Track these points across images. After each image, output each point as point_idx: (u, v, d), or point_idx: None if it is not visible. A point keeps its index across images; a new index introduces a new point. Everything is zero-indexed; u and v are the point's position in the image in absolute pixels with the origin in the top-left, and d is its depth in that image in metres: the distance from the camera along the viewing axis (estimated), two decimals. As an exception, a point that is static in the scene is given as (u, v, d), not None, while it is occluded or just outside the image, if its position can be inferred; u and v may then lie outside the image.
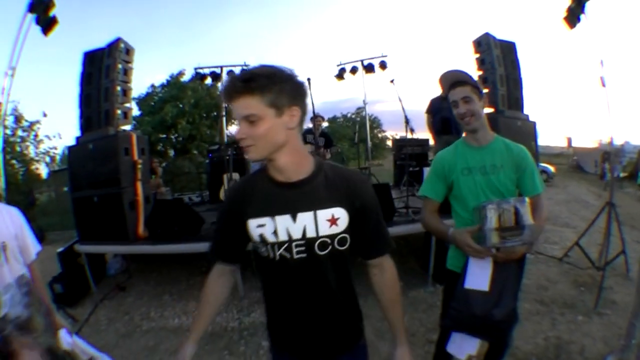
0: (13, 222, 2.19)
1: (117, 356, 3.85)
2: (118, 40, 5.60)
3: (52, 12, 4.27)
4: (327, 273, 1.41)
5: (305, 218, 1.36)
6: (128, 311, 5.04)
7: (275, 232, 1.37)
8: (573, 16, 5.37)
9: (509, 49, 6.59)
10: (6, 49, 4.07)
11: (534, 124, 6.47)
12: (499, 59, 6.35)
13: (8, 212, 2.21)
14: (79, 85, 5.82)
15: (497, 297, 1.94)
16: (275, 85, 1.22)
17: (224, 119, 10.73)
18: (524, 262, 2.24)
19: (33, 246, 2.31)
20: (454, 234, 2.06)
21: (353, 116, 23.17)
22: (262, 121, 1.23)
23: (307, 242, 1.37)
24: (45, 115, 14.90)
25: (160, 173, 8.15)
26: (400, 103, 6.83)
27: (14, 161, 14.37)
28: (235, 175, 7.40)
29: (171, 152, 19.27)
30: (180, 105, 18.15)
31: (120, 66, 5.58)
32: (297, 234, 1.37)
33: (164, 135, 18.72)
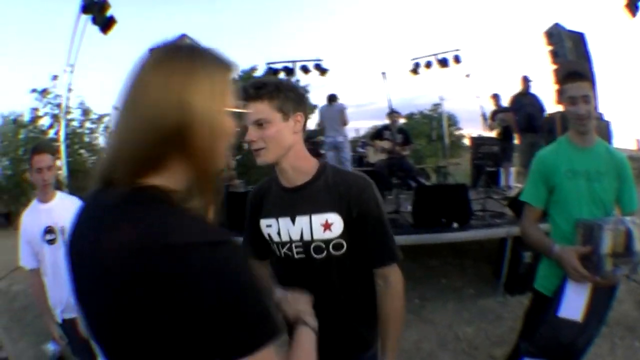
0: (74, 209, 2.28)
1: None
2: (183, 36, 5.66)
3: (109, 13, 4.44)
4: (326, 276, 1.45)
5: (302, 221, 1.44)
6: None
7: (279, 233, 1.49)
8: (633, 4, 4.93)
9: (578, 40, 6.27)
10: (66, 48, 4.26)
11: (607, 123, 6.07)
12: (570, 51, 6.05)
13: (70, 200, 2.59)
14: None
15: (584, 324, 1.81)
16: (282, 92, 1.35)
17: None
18: (617, 287, 1.99)
19: None
20: (560, 252, 1.81)
21: (430, 113, 22.71)
22: (271, 124, 1.34)
23: (304, 245, 1.45)
24: (116, 109, 15.69)
25: (234, 166, 8.35)
26: (476, 99, 6.70)
27: (82, 151, 15.58)
28: None
29: (246, 145, 19.77)
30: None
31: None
32: (295, 236, 1.46)
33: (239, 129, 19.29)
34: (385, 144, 7.14)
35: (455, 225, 4.17)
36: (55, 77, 13.62)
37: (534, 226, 2.05)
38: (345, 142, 7.81)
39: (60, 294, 2.49)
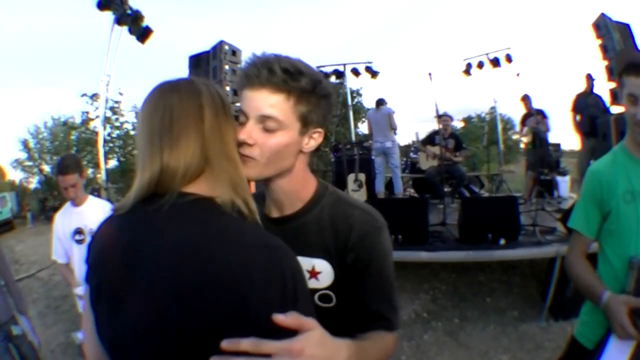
0: (103, 214, 2.47)
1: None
2: (221, 43, 5.93)
3: (144, 24, 4.63)
4: None
5: None
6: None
7: None
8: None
9: (625, 31, 5.79)
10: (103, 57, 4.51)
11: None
12: (618, 43, 5.62)
13: (100, 204, 2.92)
14: None
15: None
16: (316, 94, 1.00)
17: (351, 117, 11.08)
18: None
19: None
20: (609, 302, 1.43)
21: (487, 116, 22.06)
22: (282, 133, 0.99)
23: None
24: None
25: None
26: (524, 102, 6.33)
27: (136, 152, 16.57)
28: (361, 176, 7.46)
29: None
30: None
31: (227, 67, 5.90)
32: None
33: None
34: (436, 150, 7.02)
35: (502, 241, 4.03)
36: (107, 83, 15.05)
37: (582, 262, 1.64)
38: (394, 147, 7.67)
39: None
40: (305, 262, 1.07)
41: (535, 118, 7.17)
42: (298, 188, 1.12)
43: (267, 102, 0.96)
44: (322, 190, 1.14)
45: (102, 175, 4.07)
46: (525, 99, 7.52)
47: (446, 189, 7.49)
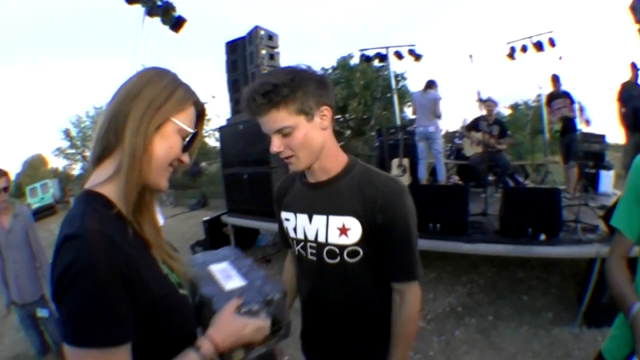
0: None
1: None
2: (256, 28, 6.03)
3: (176, 13, 4.74)
4: (337, 283, 1.40)
5: (318, 221, 1.38)
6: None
7: (295, 229, 1.46)
8: None
9: None
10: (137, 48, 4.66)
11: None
12: None
13: None
14: (225, 72, 6.64)
15: None
16: (298, 90, 1.20)
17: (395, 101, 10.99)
18: None
19: None
20: (637, 316, 1.27)
21: (534, 104, 21.31)
22: (296, 130, 1.23)
23: (318, 246, 1.40)
24: (213, 97, 18.17)
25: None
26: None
27: None
28: (405, 161, 7.45)
29: (347, 133, 20.25)
30: (350, 88, 18.88)
31: (264, 52, 6.02)
32: (310, 235, 1.41)
33: (339, 116, 19.58)
34: (480, 136, 6.87)
35: (542, 237, 3.95)
36: None
37: (619, 267, 1.46)
38: (437, 132, 7.46)
39: None
40: (337, 220, 1.34)
41: (562, 100, 6.90)
42: (331, 159, 1.36)
43: (270, 121, 1.22)
44: (352, 163, 1.39)
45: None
46: (555, 79, 7.21)
47: (491, 178, 7.36)
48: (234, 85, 6.47)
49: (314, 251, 1.41)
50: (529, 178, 8.46)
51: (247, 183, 6.04)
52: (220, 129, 6.85)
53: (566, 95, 6.87)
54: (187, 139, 0.98)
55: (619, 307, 1.40)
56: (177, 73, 1.00)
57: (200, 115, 1.04)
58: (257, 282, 1.21)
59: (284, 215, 1.51)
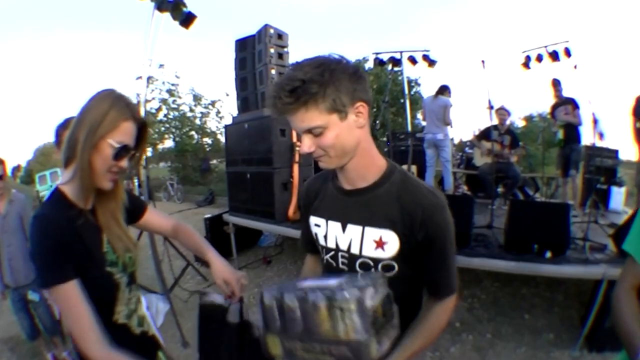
0: None
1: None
2: (266, 26, 5.98)
3: (186, 9, 4.71)
4: None
5: (353, 231, 1.30)
6: (261, 284, 5.48)
7: (325, 237, 1.39)
8: None
9: None
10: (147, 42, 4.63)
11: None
12: None
13: None
14: (234, 69, 6.62)
15: None
16: (329, 86, 1.09)
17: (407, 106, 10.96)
18: None
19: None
20: None
21: (548, 115, 21.15)
22: (328, 130, 1.14)
23: (350, 257, 1.32)
24: (227, 95, 18.07)
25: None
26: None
27: (192, 132, 18.52)
28: (413, 168, 7.36)
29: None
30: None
31: (272, 50, 5.97)
32: (343, 245, 1.34)
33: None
34: (490, 146, 6.75)
35: (548, 254, 3.84)
36: (161, 66, 16.24)
37: (628, 298, 1.28)
38: (445, 140, 7.37)
39: None
40: (374, 232, 1.26)
41: (564, 108, 6.56)
42: (367, 164, 1.28)
43: (299, 120, 1.13)
44: (391, 169, 1.30)
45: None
46: (555, 83, 6.90)
47: (500, 189, 7.24)
48: (242, 83, 6.44)
49: (345, 261, 1.34)
50: (539, 191, 8.31)
51: (249, 182, 6.00)
52: (226, 127, 6.84)
53: (569, 101, 6.62)
54: (117, 150, 1.25)
55: (623, 345, 1.23)
56: (121, 91, 1.32)
57: (142, 126, 1.35)
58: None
59: (314, 220, 1.43)
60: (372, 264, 1.27)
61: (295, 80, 1.08)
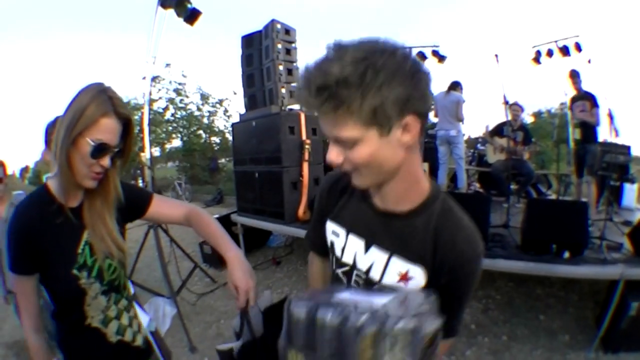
0: None
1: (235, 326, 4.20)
2: (273, 22, 5.89)
3: (190, 5, 4.64)
4: None
5: (377, 255, 1.14)
6: (271, 285, 5.42)
7: (343, 249, 1.22)
8: None
9: None
10: (151, 39, 4.57)
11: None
12: None
13: None
14: (240, 66, 6.51)
15: None
16: (371, 91, 0.84)
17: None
18: None
19: None
20: None
21: (557, 112, 21.00)
22: (361, 145, 0.91)
23: (367, 281, 1.17)
24: (235, 93, 17.82)
25: None
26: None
27: (200, 132, 18.51)
28: (425, 165, 7.26)
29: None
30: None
31: (280, 46, 5.88)
32: (362, 266, 1.18)
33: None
34: (504, 142, 6.64)
35: (566, 254, 3.74)
36: (168, 65, 16.34)
37: None
38: (459, 136, 7.27)
39: None
40: (401, 264, 1.09)
41: (582, 104, 6.15)
42: (408, 188, 1.08)
43: (328, 124, 0.92)
44: (435, 195, 1.11)
45: (146, 154, 4.17)
46: (573, 75, 6.39)
47: (513, 186, 7.12)
48: (249, 80, 6.34)
49: (360, 282, 1.19)
50: (551, 188, 8.19)
51: (257, 182, 5.93)
52: (233, 125, 6.76)
53: (588, 96, 6.18)
54: (94, 148, 1.20)
55: None
56: (107, 84, 1.27)
57: (126, 122, 1.29)
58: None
59: (332, 226, 1.27)
60: None
61: (327, 76, 0.84)
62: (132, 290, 1.64)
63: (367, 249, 1.16)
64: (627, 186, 6.32)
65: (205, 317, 4.56)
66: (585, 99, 6.14)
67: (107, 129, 1.22)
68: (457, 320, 1.15)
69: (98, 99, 1.20)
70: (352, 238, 1.20)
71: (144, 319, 2.69)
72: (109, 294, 1.40)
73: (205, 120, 18.33)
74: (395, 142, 0.92)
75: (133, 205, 1.50)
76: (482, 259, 1.07)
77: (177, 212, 1.60)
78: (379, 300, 0.91)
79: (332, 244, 1.28)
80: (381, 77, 0.83)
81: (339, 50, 0.86)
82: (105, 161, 1.24)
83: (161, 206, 1.58)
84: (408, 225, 1.09)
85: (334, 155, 0.96)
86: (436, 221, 1.07)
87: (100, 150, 1.21)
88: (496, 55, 5.33)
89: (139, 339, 1.52)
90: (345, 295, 0.98)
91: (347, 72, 0.83)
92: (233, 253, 1.38)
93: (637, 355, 3.29)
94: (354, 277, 1.20)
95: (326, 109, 0.87)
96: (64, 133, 1.18)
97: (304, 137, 5.71)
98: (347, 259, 1.21)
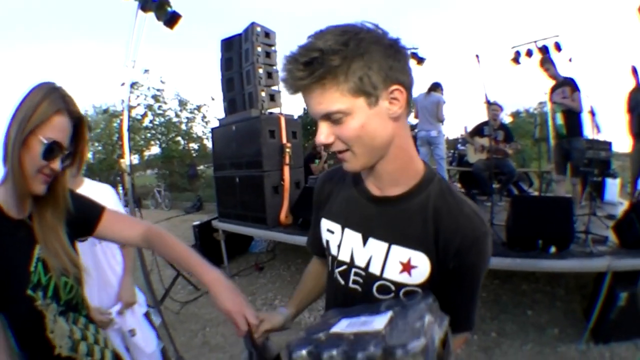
0: (103, 199, 2.34)
1: (224, 333, 4.19)
2: (252, 25, 5.86)
3: (170, 9, 4.59)
4: None
5: (375, 247, 1.08)
6: (254, 292, 5.34)
7: (339, 246, 1.18)
8: None
9: None
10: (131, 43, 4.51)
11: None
12: None
13: (100, 189, 2.40)
14: (220, 70, 6.46)
15: None
16: (355, 59, 0.85)
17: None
18: None
19: None
20: None
21: (536, 111, 21.37)
22: (350, 117, 0.90)
23: (367, 277, 1.11)
24: (213, 99, 17.59)
25: (326, 158, 8.30)
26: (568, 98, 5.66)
27: (178, 138, 18.37)
28: None
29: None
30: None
31: (259, 49, 5.84)
32: (360, 262, 1.12)
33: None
34: (485, 142, 6.70)
35: (552, 249, 3.77)
36: (146, 71, 16.20)
37: None
38: (439, 137, 7.33)
39: None
40: (402, 252, 1.04)
41: (562, 90, 5.70)
42: (403, 166, 1.05)
43: (314, 102, 0.91)
44: (430, 175, 1.07)
45: (125, 161, 4.09)
46: (544, 62, 6.04)
47: (495, 185, 7.19)
48: (229, 84, 6.29)
49: (360, 280, 1.13)
50: (533, 186, 8.30)
51: (238, 187, 5.87)
52: (213, 130, 6.68)
53: (568, 81, 5.73)
54: (46, 147, 1.10)
55: None
56: (62, 84, 1.18)
57: (78, 123, 1.21)
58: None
59: (326, 224, 1.22)
60: (393, 288, 1.06)
61: (312, 50, 0.85)
62: (90, 304, 1.49)
63: (364, 242, 1.11)
64: (609, 181, 6.41)
65: (190, 325, 4.47)
66: (565, 84, 5.77)
67: (59, 127, 1.13)
68: (471, 312, 1.09)
69: (51, 96, 1.13)
70: (349, 233, 1.15)
71: (150, 335, 2.60)
72: (67, 314, 1.25)
73: (183, 127, 18.31)
74: (384, 113, 0.93)
75: (81, 220, 1.35)
76: (489, 237, 1.02)
77: (133, 232, 1.42)
78: (378, 324, 0.87)
79: (327, 243, 1.23)
80: (363, 45, 0.86)
81: (320, 32, 0.89)
82: (56, 164, 1.15)
83: (114, 223, 1.41)
84: (405, 209, 1.05)
85: (325, 136, 0.95)
86: (435, 202, 1.03)
87: (52, 150, 1.12)
88: (477, 56, 5.34)
89: (108, 355, 1.40)
90: (341, 326, 0.94)
91: (330, 42, 0.85)
92: (212, 275, 1.24)
93: (627, 345, 3.33)
94: (352, 277, 1.15)
95: (313, 82, 0.87)
96: (15, 132, 1.08)
97: (284, 140, 5.70)
98: (344, 256, 1.17)
